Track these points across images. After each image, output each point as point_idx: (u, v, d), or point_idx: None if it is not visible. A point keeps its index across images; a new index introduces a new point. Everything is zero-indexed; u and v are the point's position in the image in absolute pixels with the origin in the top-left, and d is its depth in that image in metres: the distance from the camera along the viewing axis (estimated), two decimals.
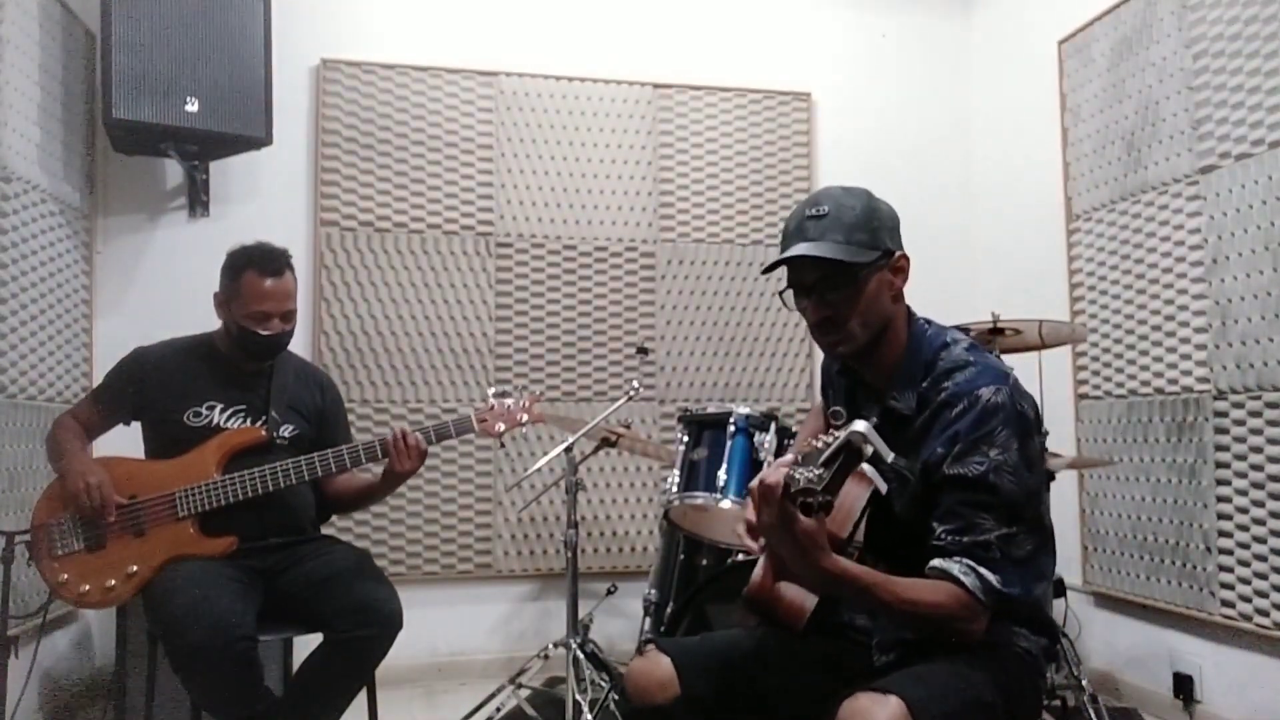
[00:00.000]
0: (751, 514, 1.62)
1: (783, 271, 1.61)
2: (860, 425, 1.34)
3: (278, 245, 2.43)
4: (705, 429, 2.82)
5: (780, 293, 1.65)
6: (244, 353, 2.41)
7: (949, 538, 1.46)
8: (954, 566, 1.43)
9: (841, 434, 1.35)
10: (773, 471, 1.38)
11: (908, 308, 1.64)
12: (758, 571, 1.56)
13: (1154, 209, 3.13)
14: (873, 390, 1.65)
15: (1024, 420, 1.50)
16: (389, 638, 2.22)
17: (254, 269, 2.34)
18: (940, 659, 1.45)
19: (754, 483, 1.41)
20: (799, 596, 1.49)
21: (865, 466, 1.36)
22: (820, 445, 1.37)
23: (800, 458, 1.37)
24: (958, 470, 1.47)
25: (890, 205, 1.62)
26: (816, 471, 1.31)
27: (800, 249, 1.55)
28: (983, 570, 1.43)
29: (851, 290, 1.54)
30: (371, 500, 2.63)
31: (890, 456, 1.37)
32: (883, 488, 1.37)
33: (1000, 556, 1.44)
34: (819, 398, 1.96)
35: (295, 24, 3.59)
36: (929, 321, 1.65)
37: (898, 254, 1.58)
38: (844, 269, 1.53)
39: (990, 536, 1.44)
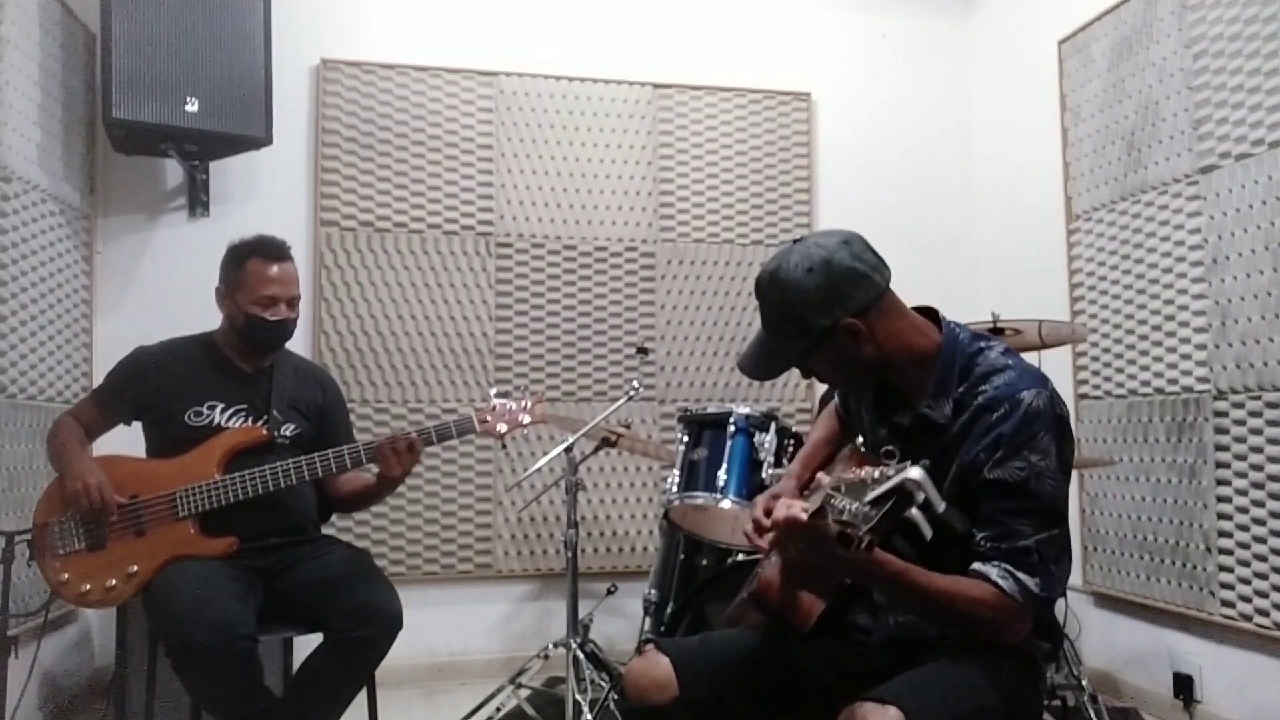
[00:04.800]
0: (760, 514, 1.62)
1: None
2: (915, 473, 1.25)
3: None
4: (705, 429, 2.82)
5: None
6: (250, 342, 2.41)
7: (988, 544, 1.45)
8: (992, 571, 1.43)
9: (895, 476, 1.26)
10: (792, 507, 1.37)
11: (926, 318, 1.60)
12: (769, 571, 1.55)
13: (1154, 209, 3.13)
14: (901, 396, 1.61)
15: (1063, 424, 1.49)
16: (389, 638, 2.22)
17: (259, 255, 2.37)
18: (941, 663, 1.45)
19: (775, 516, 1.41)
20: (809, 599, 1.49)
21: (914, 511, 1.27)
22: (866, 478, 1.30)
23: (844, 486, 1.32)
24: (998, 474, 1.45)
25: (825, 269, 1.49)
26: (865, 509, 1.26)
27: (743, 357, 1.70)
28: (1020, 575, 1.42)
29: (813, 369, 1.61)
30: (372, 501, 2.64)
31: (941, 507, 1.29)
32: (927, 534, 1.29)
33: (1039, 561, 1.43)
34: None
35: (295, 24, 3.60)
36: (959, 326, 1.61)
37: (841, 324, 1.49)
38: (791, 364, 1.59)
39: (1030, 542, 1.43)
